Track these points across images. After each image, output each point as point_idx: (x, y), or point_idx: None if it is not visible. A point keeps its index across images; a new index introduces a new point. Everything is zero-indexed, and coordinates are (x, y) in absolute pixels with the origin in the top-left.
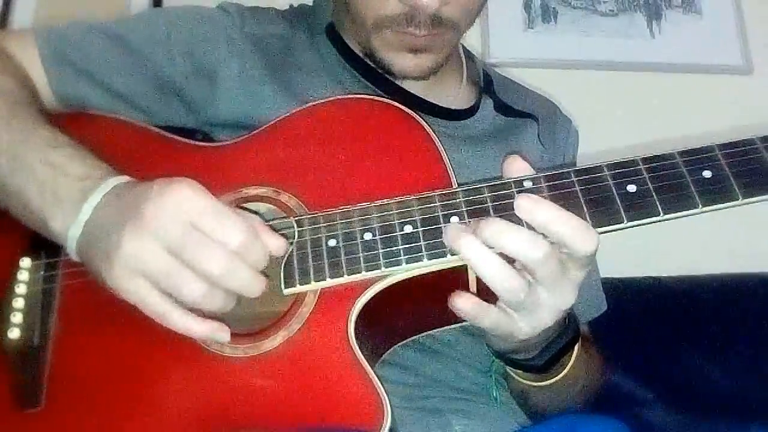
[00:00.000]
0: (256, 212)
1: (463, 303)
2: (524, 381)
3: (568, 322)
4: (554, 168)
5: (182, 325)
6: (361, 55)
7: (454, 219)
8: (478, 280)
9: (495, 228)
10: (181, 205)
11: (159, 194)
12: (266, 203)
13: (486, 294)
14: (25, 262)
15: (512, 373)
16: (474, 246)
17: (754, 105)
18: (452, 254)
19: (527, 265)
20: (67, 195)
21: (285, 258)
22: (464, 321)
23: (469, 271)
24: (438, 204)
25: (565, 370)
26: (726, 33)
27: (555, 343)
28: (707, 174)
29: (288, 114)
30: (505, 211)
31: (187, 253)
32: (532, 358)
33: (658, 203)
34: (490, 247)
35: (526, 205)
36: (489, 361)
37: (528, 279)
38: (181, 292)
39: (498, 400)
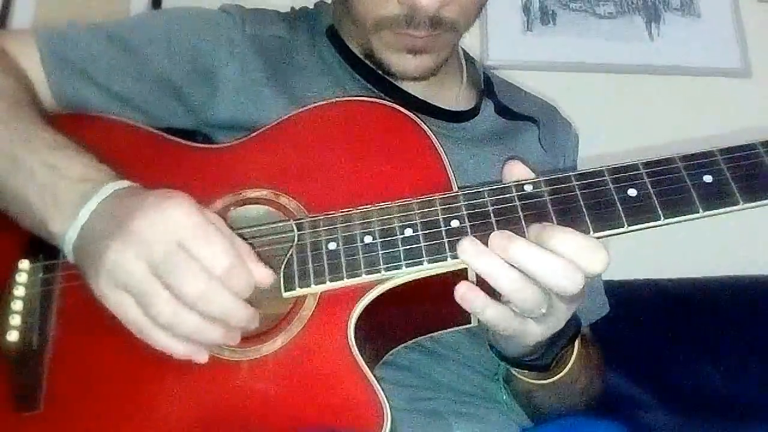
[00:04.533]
0: (255, 216)
1: (478, 304)
2: (529, 380)
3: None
4: (554, 172)
5: (162, 342)
6: (361, 56)
7: (455, 223)
8: (479, 283)
9: (518, 248)
10: (172, 223)
11: (152, 208)
12: (265, 206)
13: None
14: (24, 264)
15: (516, 374)
16: (494, 263)
17: (753, 107)
18: (453, 258)
19: (546, 284)
20: (66, 198)
21: (285, 261)
22: (464, 324)
23: (470, 275)
24: (438, 207)
25: (567, 367)
26: (725, 35)
27: (559, 339)
28: (708, 179)
29: (288, 116)
30: (505, 215)
31: (166, 272)
32: (538, 357)
33: (658, 208)
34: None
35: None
36: (491, 364)
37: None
38: (151, 310)
39: (507, 404)
